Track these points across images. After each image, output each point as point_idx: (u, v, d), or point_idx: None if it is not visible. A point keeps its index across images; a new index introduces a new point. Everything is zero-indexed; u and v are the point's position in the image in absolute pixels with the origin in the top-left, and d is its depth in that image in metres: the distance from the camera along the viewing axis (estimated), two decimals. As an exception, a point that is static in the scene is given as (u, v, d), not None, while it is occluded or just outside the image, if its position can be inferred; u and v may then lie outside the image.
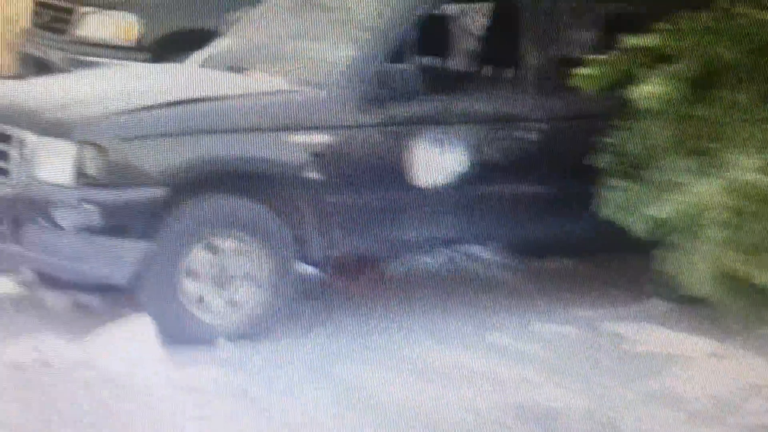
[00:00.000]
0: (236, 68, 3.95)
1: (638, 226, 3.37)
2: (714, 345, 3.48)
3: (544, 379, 3.13)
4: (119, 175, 3.27)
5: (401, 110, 3.61)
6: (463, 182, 3.67)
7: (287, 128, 3.47)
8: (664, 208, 3.25)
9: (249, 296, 3.43)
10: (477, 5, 4.51)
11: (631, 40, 3.42)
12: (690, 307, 3.67)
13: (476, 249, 4.55)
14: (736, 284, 3.17)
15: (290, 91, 3.64)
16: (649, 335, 3.63)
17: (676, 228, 3.26)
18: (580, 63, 3.53)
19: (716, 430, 2.83)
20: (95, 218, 3.21)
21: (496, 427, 2.78)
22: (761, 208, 3.05)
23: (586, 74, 3.47)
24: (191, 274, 3.35)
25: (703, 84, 3.29)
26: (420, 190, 3.61)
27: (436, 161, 3.60)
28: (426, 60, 4.26)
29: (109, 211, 3.21)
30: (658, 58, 3.38)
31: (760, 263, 3.06)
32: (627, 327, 3.70)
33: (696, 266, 3.22)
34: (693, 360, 3.38)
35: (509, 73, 4.05)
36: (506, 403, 2.92)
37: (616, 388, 3.10)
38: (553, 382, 3.11)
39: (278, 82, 3.74)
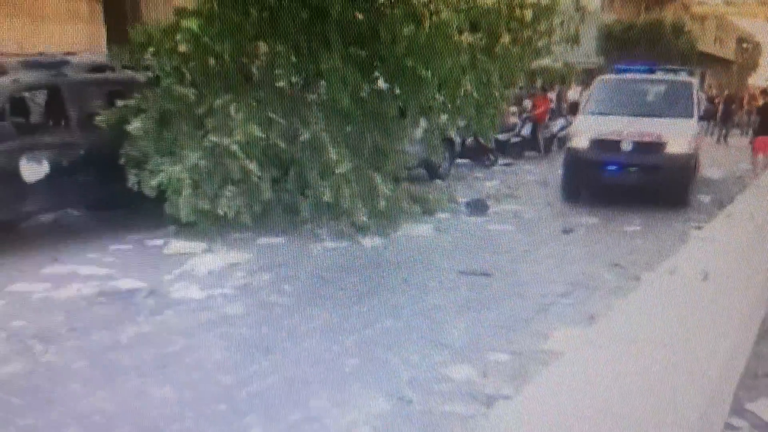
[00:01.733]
0: None
1: (148, 191, 6.86)
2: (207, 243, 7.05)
3: (120, 274, 6.25)
4: None
5: (8, 145, 6.34)
6: (51, 177, 6.60)
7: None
8: (157, 180, 6.81)
9: None
10: (42, 90, 7.31)
11: (121, 102, 6.83)
12: (181, 226, 7.07)
13: (71, 210, 7.94)
14: (206, 214, 6.81)
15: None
16: (172, 243, 7.00)
17: (167, 189, 6.83)
18: (99, 114, 6.82)
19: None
20: None
21: (83, 304, 5.47)
22: (205, 177, 6.77)
23: (103, 119, 6.80)
24: None
25: (161, 122, 6.89)
26: (31, 183, 6.46)
27: (34, 168, 6.48)
28: (17, 119, 7.00)
29: None
30: (137, 110, 6.88)
31: (214, 204, 6.79)
32: (160, 240, 7.12)
33: (181, 208, 6.77)
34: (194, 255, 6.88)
35: (64, 121, 7.06)
36: (101, 290, 5.69)
37: (157, 273, 6.28)
38: (126, 275, 6.28)
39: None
